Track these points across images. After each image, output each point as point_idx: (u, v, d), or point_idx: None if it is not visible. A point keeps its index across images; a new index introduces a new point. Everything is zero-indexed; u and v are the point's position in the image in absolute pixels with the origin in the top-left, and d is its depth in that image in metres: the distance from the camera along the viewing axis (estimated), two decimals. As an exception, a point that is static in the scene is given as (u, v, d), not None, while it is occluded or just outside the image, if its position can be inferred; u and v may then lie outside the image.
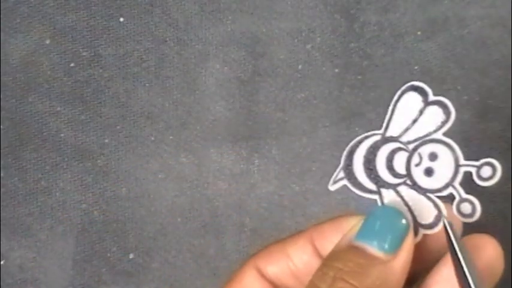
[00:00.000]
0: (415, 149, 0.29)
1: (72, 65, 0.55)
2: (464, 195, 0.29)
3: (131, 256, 0.53)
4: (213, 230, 0.52)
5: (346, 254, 0.27)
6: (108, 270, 0.53)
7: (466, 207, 0.28)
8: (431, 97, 0.30)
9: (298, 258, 0.31)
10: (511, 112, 0.52)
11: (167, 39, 0.54)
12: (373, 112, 0.53)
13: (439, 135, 0.30)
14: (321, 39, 0.54)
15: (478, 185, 0.29)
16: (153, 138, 0.54)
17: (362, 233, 0.28)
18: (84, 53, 0.55)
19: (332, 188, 0.30)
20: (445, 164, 0.29)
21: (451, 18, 0.53)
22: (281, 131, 0.53)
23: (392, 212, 0.28)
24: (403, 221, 0.27)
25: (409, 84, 0.30)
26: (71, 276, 0.53)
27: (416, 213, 0.29)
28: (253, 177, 0.53)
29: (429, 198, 0.29)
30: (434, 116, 0.29)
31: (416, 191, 0.29)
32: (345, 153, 0.30)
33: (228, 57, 0.54)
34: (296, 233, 0.32)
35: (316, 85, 0.53)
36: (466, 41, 0.53)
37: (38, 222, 0.53)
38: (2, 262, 0.53)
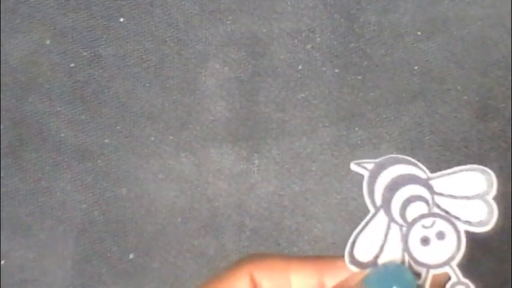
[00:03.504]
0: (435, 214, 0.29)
1: (72, 65, 0.55)
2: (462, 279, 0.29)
3: (131, 256, 0.53)
4: (213, 230, 0.52)
5: None
6: (108, 270, 0.53)
7: None
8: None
9: (298, 287, 0.30)
10: (510, 112, 0.52)
11: (167, 39, 0.54)
12: (373, 112, 0.53)
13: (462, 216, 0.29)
14: (321, 39, 0.54)
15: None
16: (153, 139, 0.54)
17: (369, 279, 0.27)
18: (84, 53, 0.55)
19: (353, 166, 0.29)
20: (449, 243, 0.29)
21: (451, 18, 0.53)
22: (281, 131, 0.53)
23: (402, 267, 0.28)
24: (410, 276, 0.27)
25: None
26: (71, 276, 0.53)
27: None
28: (253, 177, 0.53)
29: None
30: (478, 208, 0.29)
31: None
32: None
33: (228, 57, 0.54)
34: (303, 257, 0.31)
35: (316, 85, 0.53)
36: (466, 41, 0.53)
37: (38, 222, 0.53)
38: (2, 262, 0.53)
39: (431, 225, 0.29)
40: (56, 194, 0.53)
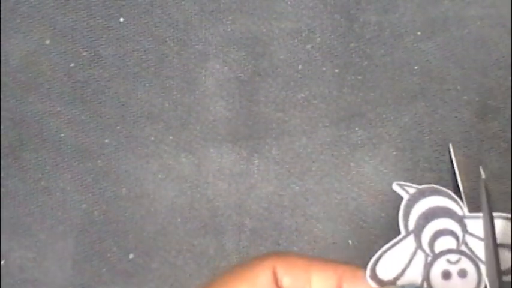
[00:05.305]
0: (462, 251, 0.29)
1: (72, 65, 0.55)
2: None
3: (131, 256, 0.53)
4: (213, 230, 0.52)
5: None
6: (108, 270, 0.53)
7: None
8: None
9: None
10: (510, 112, 0.52)
11: (167, 39, 0.54)
12: (373, 112, 0.53)
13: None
14: (321, 39, 0.54)
15: None
16: (153, 138, 0.54)
17: None
18: (84, 53, 0.55)
19: (395, 187, 0.29)
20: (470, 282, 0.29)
21: (451, 18, 0.53)
22: (281, 131, 0.53)
23: None
24: None
25: None
26: (71, 276, 0.53)
27: None
28: (253, 177, 0.53)
29: None
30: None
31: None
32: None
33: (228, 57, 0.54)
34: (324, 259, 0.32)
35: (316, 85, 0.53)
36: (466, 41, 0.53)
37: (38, 222, 0.53)
38: (2, 262, 0.53)
39: (456, 262, 0.29)
40: (56, 194, 0.53)
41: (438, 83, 0.53)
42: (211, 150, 0.53)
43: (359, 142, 0.52)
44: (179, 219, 0.53)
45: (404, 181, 0.53)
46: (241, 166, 0.53)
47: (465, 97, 0.52)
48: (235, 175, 0.53)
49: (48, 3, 0.55)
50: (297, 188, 0.52)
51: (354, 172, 0.52)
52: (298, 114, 0.53)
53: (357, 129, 0.53)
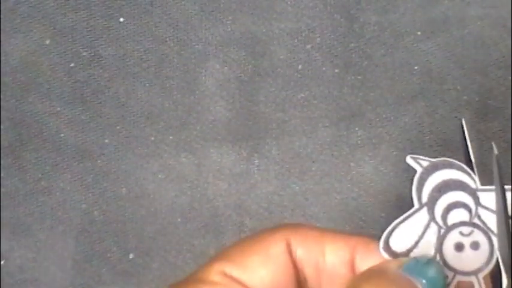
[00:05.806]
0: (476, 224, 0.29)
1: (72, 65, 0.55)
2: None
3: (131, 256, 0.53)
4: (213, 230, 0.52)
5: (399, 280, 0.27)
6: (108, 270, 0.53)
7: None
8: None
9: (331, 259, 0.30)
10: (510, 112, 0.52)
11: (167, 39, 0.54)
12: (373, 112, 0.53)
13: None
14: (321, 39, 0.54)
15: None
16: (153, 138, 0.54)
17: (409, 267, 0.28)
18: (84, 53, 0.55)
19: (408, 160, 0.30)
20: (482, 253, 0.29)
21: (451, 18, 0.53)
22: (281, 131, 0.53)
23: (439, 263, 0.29)
24: (444, 273, 0.28)
25: None
26: (71, 276, 0.53)
27: None
28: (253, 177, 0.53)
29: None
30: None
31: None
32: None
33: (228, 57, 0.54)
34: (336, 230, 0.32)
35: (316, 85, 0.53)
36: (466, 41, 0.53)
37: (38, 222, 0.53)
38: (2, 262, 0.53)
39: (469, 234, 0.29)
40: (56, 194, 0.53)
41: (438, 83, 0.53)
42: (211, 150, 0.53)
43: (359, 142, 0.52)
44: (179, 219, 0.53)
45: (404, 181, 0.53)
46: (241, 166, 0.53)
47: (465, 97, 0.52)
48: (235, 175, 0.53)
49: (48, 3, 0.55)
50: (297, 188, 0.52)
51: (354, 172, 0.52)
52: (298, 114, 0.53)
53: (357, 129, 0.53)
